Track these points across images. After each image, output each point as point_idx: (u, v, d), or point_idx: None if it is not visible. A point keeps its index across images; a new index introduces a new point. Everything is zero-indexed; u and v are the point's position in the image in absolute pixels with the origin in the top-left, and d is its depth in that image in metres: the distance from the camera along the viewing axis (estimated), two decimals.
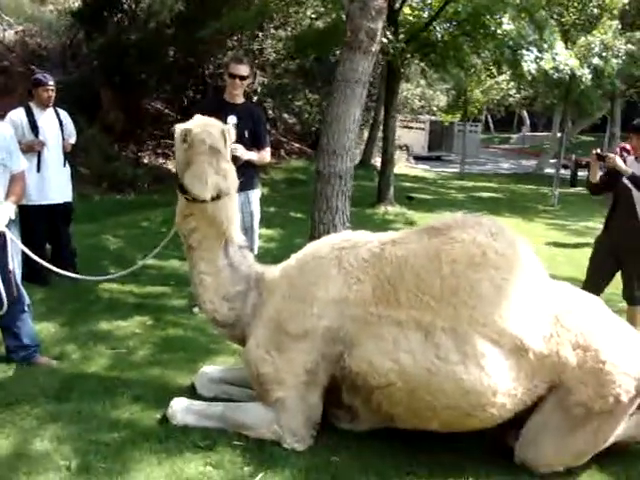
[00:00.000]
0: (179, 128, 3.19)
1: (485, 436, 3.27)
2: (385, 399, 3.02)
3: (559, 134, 19.80)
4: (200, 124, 3.23)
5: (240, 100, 4.98)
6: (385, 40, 10.07)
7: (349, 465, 3.04)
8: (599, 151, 4.84)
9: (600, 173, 4.92)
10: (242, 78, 4.91)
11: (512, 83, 20.90)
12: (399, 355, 2.91)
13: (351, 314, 3.03)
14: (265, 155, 4.95)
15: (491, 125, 42.10)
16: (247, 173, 4.23)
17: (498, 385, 2.86)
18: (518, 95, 24.95)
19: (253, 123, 4.79)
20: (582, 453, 3.05)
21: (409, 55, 12.08)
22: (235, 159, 3.62)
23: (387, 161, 12.27)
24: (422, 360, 2.89)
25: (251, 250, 3.52)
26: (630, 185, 4.63)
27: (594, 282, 4.68)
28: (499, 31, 10.61)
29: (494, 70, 14.40)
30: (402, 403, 2.99)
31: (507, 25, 10.59)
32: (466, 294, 2.91)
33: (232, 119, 4.57)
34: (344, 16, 6.28)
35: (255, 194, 5.03)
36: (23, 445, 3.05)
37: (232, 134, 3.32)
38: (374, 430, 3.28)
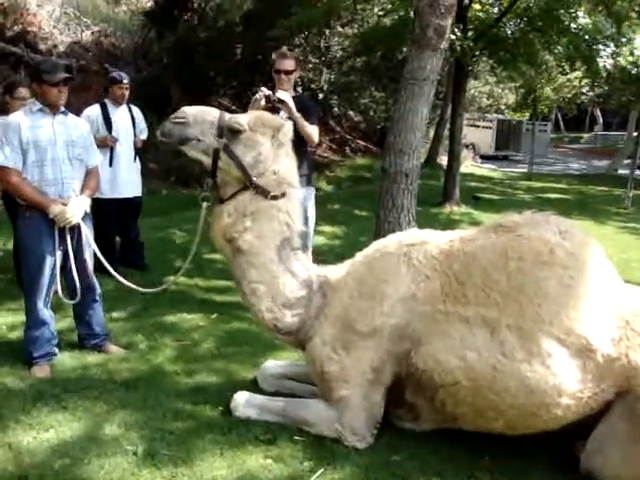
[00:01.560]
0: (273, 123, 3.18)
1: (551, 445, 3.19)
2: (449, 398, 2.98)
3: (635, 133, 19.04)
4: (281, 120, 3.26)
5: (292, 93, 4.93)
6: (453, 37, 9.92)
7: (409, 465, 3.01)
8: None
9: None
10: (287, 73, 4.89)
11: (585, 80, 20.24)
12: (465, 352, 2.87)
13: (419, 311, 3.00)
14: (311, 129, 4.74)
15: (561, 124, 40.84)
16: (303, 169, 4.22)
17: (563, 385, 2.79)
18: (591, 93, 24.19)
19: (304, 113, 4.70)
20: None
21: (478, 52, 11.84)
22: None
23: (453, 160, 12.08)
24: (487, 357, 2.84)
25: (305, 251, 3.39)
26: None
27: None
28: (573, 25, 10.28)
29: (566, 67, 13.91)
30: (466, 402, 2.94)
31: (582, 19, 10.25)
32: (532, 292, 2.84)
33: (283, 115, 4.55)
34: (412, 13, 6.22)
35: (311, 192, 5.00)
36: (94, 429, 3.16)
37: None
38: (435, 431, 3.25)
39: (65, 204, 3.73)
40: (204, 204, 3.30)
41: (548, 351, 2.80)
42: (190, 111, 3.15)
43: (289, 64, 4.91)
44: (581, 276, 2.89)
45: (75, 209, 3.75)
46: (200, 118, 3.13)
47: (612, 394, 2.89)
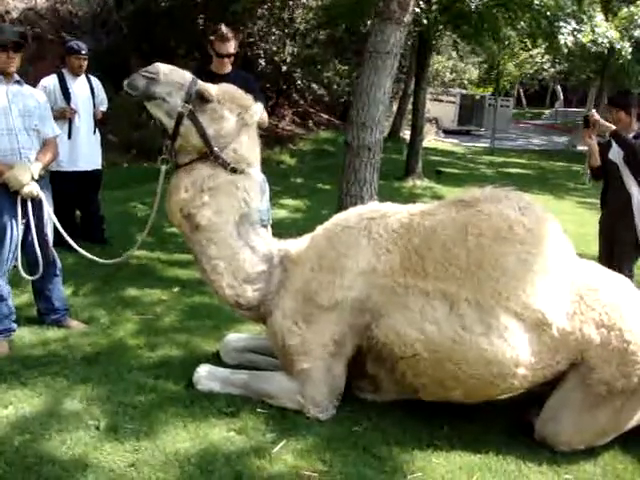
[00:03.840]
0: (249, 103, 3.17)
1: (506, 412, 3.30)
2: (410, 369, 3.04)
3: (594, 110, 19.38)
4: (250, 100, 3.22)
5: (228, 69, 4.85)
6: (417, 10, 9.89)
7: (370, 435, 3.08)
8: (588, 114, 4.64)
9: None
10: (229, 56, 4.78)
11: (547, 57, 20.44)
12: (425, 325, 2.93)
13: (379, 284, 3.03)
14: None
15: (523, 100, 41.29)
16: None
17: (520, 357, 2.89)
18: (552, 69, 24.44)
19: (247, 90, 4.65)
20: (603, 433, 3.04)
21: (441, 26, 11.84)
22: None
23: (416, 134, 12.14)
24: (447, 330, 2.91)
25: (265, 226, 3.37)
26: (615, 157, 4.52)
27: (605, 260, 4.56)
28: (536, 2, 10.30)
29: (529, 43, 14.01)
30: (426, 373, 3.01)
31: None
32: (491, 267, 2.90)
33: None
34: None
35: None
36: (54, 405, 3.14)
37: None
38: (396, 402, 3.32)
39: (12, 168, 3.63)
40: (163, 167, 3.24)
41: (505, 324, 2.88)
42: (162, 68, 3.06)
43: (231, 46, 4.76)
44: (538, 252, 2.96)
45: (21, 172, 3.64)
46: (170, 78, 3.05)
47: (566, 365, 3.01)
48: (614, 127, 4.45)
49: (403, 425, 3.19)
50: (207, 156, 3.12)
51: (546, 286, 2.94)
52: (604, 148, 4.62)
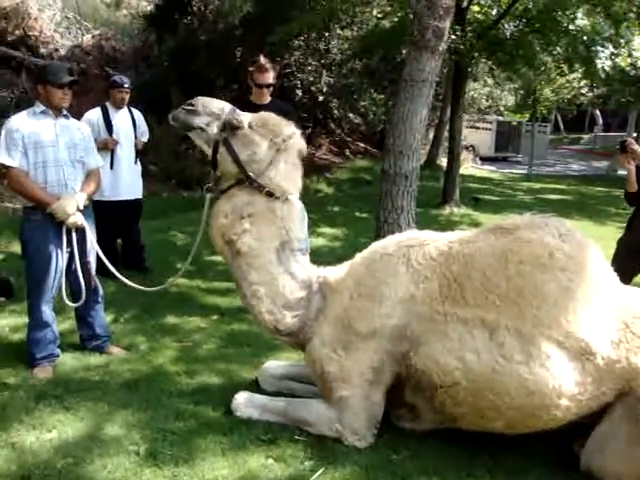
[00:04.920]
0: (280, 129, 3.23)
1: (550, 442, 3.21)
2: (449, 398, 3.00)
3: (634, 134, 19.05)
4: (292, 125, 3.29)
5: (267, 100, 4.95)
6: (453, 37, 9.95)
7: (409, 464, 3.03)
8: (625, 141, 4.57)
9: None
10: (268, 86, 4.87)
11: (584, 81, 20.23)
12: (464, 354, 2.89)
13: (418, 312, 3.02)
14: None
15: (561, 125, 40.83)
16: None
17: (563, 387, 2.82)
18: (590, 94, 24.14)
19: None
20: None
21: (477, 54, 11.87)
22: None
23: (453, 161, 12.10)
24: (487, 359, 2.86)
25: (305, 253, 3.44)
26: None
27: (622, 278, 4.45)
28: (572, 27, 10.26)
29: (565, 68, 13.92)
30: (466, 403, 2.96)
31: (581, 20, 10.24)
32: (531, 295, 2.86)
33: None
34: (411, 15, 6.25)
35: None
36: (96, 429, 3.19)
37: None
38: (435, 430, 3.27)
39: (58, 199, 3.76)
40: (207, 195, 3.37)
41: (547, 353, 2.82)
42: (201, 100, 3.26)
43: (270, 77, 4.86)
44: (580, 279, 2.91)
45: (67, 203, 3.75)
46: (208, 109, 3.24)
47: (612, 396, 2.92)
48: None
49: (442, 454, 3.14)
50: (244, 182, 3.21)
51: (589, 314, 2.88)
52: None
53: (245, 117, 3.23)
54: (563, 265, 2.89)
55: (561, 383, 2.82)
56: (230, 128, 3.18)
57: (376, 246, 3.33)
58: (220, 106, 3.27)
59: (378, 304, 3.07)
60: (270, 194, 3.20)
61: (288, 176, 3.25)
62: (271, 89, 4.96)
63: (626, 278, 4.26)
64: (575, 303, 2.87)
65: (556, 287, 2.86)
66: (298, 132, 3.32)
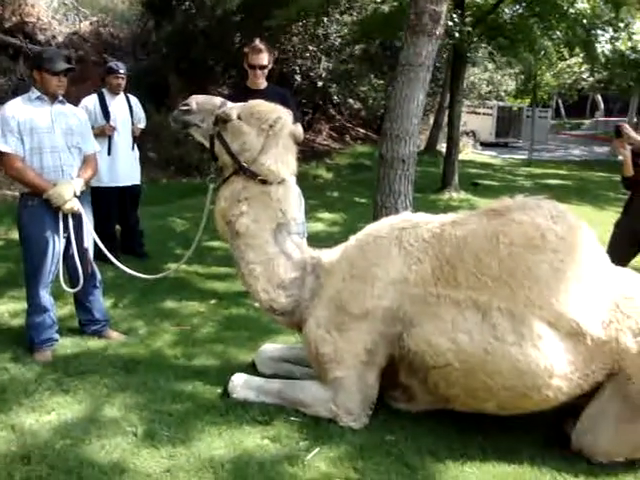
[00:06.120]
0: (266, 115, 3.28)
1: (542, 422, 3.25)
2: (442, 379, 3.04)
3: (635, 119, 18.98)
4: (279, 109, 3.34)
5: (264, 85, 4.94)
6: (451, 23, 9.91)
7: (403, 444, 3.07)
8: (619, 125, 4.55)
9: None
10: (262, 67, 4.85)
11: (585, 66, 20.14)
12: (457, 335, 2.92)
13: (411, 294, 3.05)
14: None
15: (562, 110, 40.68)
16: None
17: (554, 367, 2.85)
18: (591, 78, 24.06)
19: (282, 104, 4.69)
20: None
21: (476, 39, 11.81)
22: None
23: (452, 146, 12.10)
24: (479, 340, 2.89)
25: (302, 236, 3.51)
26: None
27: (618, 261, 4.46)
28: (572, 10, 10.21)
29: (565, 52, 13.85)
30: (459, 384, 3.00)
31: (581, 4, 10.18)
32: (523, 276, 2.88)
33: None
34: None
35: None
36: (94, 411, 3.24)
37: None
38: (429, 411, 3.31)
39: (55, 185, 3.78)
40: (211, 185, 3.50)
41: (539, 334, 2.85)
42: (195, 99, 3.43)
43: (264, 58, 4.84)
44: (571, 260, 2.93)
45: (64, 189, 3.77)
46: (202, 106, 3.40)
47: (602, 375, 2.95)
48: None
49: (436, 434, 3.18)
50: (239, 170, 3.30)
51: (580, 294, 2.91)
52: (637, 155, 4.55)
53: (234, 109, 3.32)
54: (555, 246, 2.91)
55: (552, 363, 2.85)
56: (221, 121, 3.31)
57: (369, 229, 3.36)
58: (212, 102, 3.42)
59: (370, 286, 3.10)
60: (264, 181, 3.26)
61: (280, 160, 3.29)
62: (266, 72, 4.94)
63: (622, 261, 4.27)
64: (566, 284, 2.90)
65: (548, 268, 2.89)
66: (287, 116, 3.36)
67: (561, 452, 3.07)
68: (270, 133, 3.26)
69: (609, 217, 10.62)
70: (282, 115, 3.31)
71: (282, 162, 3.30)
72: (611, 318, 2.92)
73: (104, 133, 5.80)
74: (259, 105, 3.36)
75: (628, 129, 4.46)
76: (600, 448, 2.98)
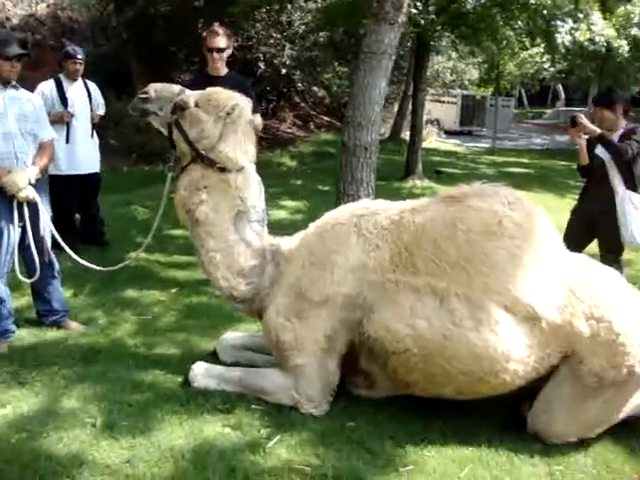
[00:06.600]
0: (223, 102, 3.25)
1: (500, 406, 3.32)
2: (401, 365, 3.07)
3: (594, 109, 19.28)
4: (236, 97, 3.31)
5: (223, 72, 4.90)
6: (414, 11, 9.93)
7: (365, 430, 3.10)
8: (575, 115, 4.65)
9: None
10: (220, 51, 4.80)
11: (547, 56, 20.43)
12: (415, 321, 2.95)
13: (369, 280, 3.07)
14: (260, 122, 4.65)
15: (525, 100, 41.25)
16: None
17: (511, 352, 2.90)
18: (553, 68, 24.41)
19: (241, 93, 4.65)
20: (595, 424, 3.07)
21: (439, 27, 11.87)
22: None
23: (415, 135, 12.17)
24: (437, 326, 2.93)
25: (262, 224, 3.51)
26: (602, 153, 4.53)
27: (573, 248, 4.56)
28: (532, 1, 10.33)
29: (527, 42, 14.03)
30: (418, 369, 3.03)
31: None
32: (480, 262, 2.92)
33: None
34: None
35: None
36: (52, 403, 3.18)
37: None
38: (390, 397, 3.34)
39: (9, 172, 3.69)
40: (169, 174, 3.48)
41: (496, 319, 2.90)
42: (153, 87, 3.40)
43: (221, 41, 4.79)
44: (528, 246, 2.98)
45: (19, 176, 3.69)
46: (160, 94, 3.37)
47: (557, 359, 3.02)
48: (599, 131, 4.47)
49: (397, 420, 3.22)
50: (197, 158, 3.28)
51: (536, 280, 2.96)
52: (592, 144, 4.64)
53: (192, 96, 3.30)
54: (511, 233, 2.95)
55: (509, 347, 2.90)
56: (179, 109, 3.28)
57: (328, 216, 3.37)
58: (170, 89, 3.40)
59: (330, 273, 3.11)
60: (222, 169, 3.25)
61: (238, 147, 3.28)
62: (225, 56, 4.88)
63: (577, 247, 4.35)
64: (523, 269, 2.94)
65: (504, 254, 2.93)
66: (245, 103, 3.33)
67: (518, 434, 3.13)
68: (227, 120, 3.24)
69: (569, 204, 10.78)
70: (239, 102, 3.28)
71: (241, 150, 3.28)
72: (565, 303, 2.98)
73: (62, 120, 5.67)
74: (217, 92, 3.33)
75: (583, 119, 4.54)
76: (555, 429, 3.05)
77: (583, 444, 3.07)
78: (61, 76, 5.85)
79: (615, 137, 4.51)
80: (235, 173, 3.26)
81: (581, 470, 2.90)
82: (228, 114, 3.22)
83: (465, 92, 26.76)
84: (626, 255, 4.95)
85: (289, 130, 16.93)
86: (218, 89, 3.37)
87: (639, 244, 4.53)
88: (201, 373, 3.36)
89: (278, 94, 16.34)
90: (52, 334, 4.07)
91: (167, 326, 4.34)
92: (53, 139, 4.16)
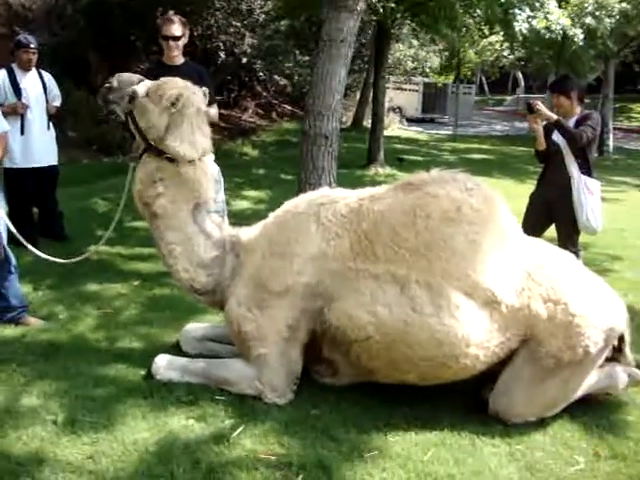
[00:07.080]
0: (167, 92, 3.20)
1: (463, 390, 3.37)
2: (364, 352, 3.09)
3: (540, 100, 19.63)
4: (183, 86, 3.27)
5: (180, 61, 4.86)
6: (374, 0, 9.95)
7: (329, 418, 3.11)
8: (531, 102, 4.73)
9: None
10: (175, 39, 4.76)
11: (506, 44, 20.67)
12: (376, 308, 2.97)
13: (330, 269, 3.07)
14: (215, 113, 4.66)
15: (486, 87, 41.75)
16: None
17: (471, 336, 2.94)
18: (512, 56, 24.73)
19: (198, 82, 4.60)
20: (553, 403, 3.14)
21: (399, 15, 11.91)
22: None
23: (377, 122, 12.24)
24: (398, 313, 2.95)
25: (221, 214, 3.49)
26: (558, 139, 4.63)
27: (532, 233, 4.64)
28: None
29: (486, 30, 14.18)
30: (380, 356, 3.06)
31: None
32: (440, 248, 2.95)
33: None
34: None
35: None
36: (11, 401, 3.12)
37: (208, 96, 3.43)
38: (354, 385, 3.36)
39: None
40: (131, 164, 3.45)
41: (456, 304, 2.93)
42: (117, 77, 3.40)
43: (176, 29, 4.75)
44: (486, 231, 3.03)
45: None
46: (122, 84, 3.35)
47: (517, 342, 3.07)
48: (555, 117, 4.55)
49: (361, 407, 3.24)
50: (148, 149, 3.26)
51: (495, 265, 3.01)
52: (549, 130, 4.72)
53: (144, 86, 3.27)
54: (470, 219, 2.99)
55: (469, 332, 2.95)
56: (131, 99, 3.26)
57: (287, 205, 3.37)
58: (131, 79, 3.38)
59: (290, 262, 3.11)
60: (171, 159, 3.22)
61: (187, 139, 3.23)
62: (180, 45, 4.83)
63: (536, 232, 4.43)
64: (482, 255, 2.99)
65: (463, 240, 2.97)
66: (192, 93, 3.28)
67: (480, 417, 3.18)
68: (172, 111, 3.19)
69: (528, 190, 10.91)
70: (185, 92, 3.22)
71: (188, 142, 3.23)
72: (524, 286, 3.03)
73: (16, 111, 5.53)
74: (165, 82, 3.30)
75: (540, 105, 4.61)
76: (515, 410, 3.11)
77: (542, 423, 3.14)
78: (13, 66, 5.69)
79: (571, 123, 4.59)
80: (188, 165, 3.23)
81: (540, 448, 2.97)
82: (173, 104, 3.18)
83: (426, 80, 26.97)
84: (582, 239, 5.06)
85: (251, 119, 16.83)
86: (168, 79, 3.34)
87: (594, 228, 4.64)
88: (164, 365, 3.33)
89: (239, 83, 16.21)
90: (10, 331, 3.98)
91: (129, 319, 4.29)
92: (6, 132, 4.06)
